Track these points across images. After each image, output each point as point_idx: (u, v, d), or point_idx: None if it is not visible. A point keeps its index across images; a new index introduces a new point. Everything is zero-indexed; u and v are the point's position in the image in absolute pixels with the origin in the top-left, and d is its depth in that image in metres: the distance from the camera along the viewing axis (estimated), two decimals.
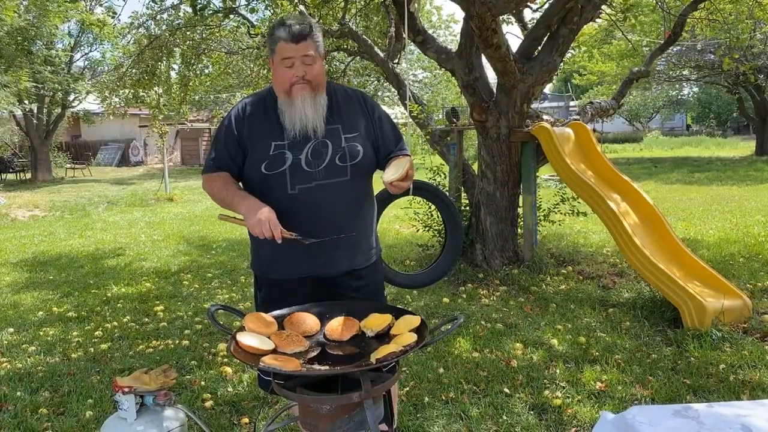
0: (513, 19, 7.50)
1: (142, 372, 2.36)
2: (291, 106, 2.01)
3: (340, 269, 2.13)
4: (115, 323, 4.64)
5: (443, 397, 3.12)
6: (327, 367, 1.64)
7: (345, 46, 7.40)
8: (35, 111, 18.35)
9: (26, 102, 14.33)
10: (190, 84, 7.42)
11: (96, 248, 7.89)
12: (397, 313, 1.90)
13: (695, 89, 36.70)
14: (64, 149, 24.69)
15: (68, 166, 21.49)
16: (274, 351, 1.74)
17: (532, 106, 5.69)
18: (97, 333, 4.42)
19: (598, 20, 5.88)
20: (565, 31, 5.07)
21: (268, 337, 1.79)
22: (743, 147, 24.97)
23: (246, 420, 2.95)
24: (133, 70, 7.02)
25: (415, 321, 1.82)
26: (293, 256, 2.08)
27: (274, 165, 2.01)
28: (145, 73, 7.07)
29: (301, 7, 6.34)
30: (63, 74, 16.44)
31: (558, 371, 3.41)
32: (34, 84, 15.07)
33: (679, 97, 38.33)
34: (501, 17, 7.74)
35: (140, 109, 16.41)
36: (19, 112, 18.21)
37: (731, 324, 4.02)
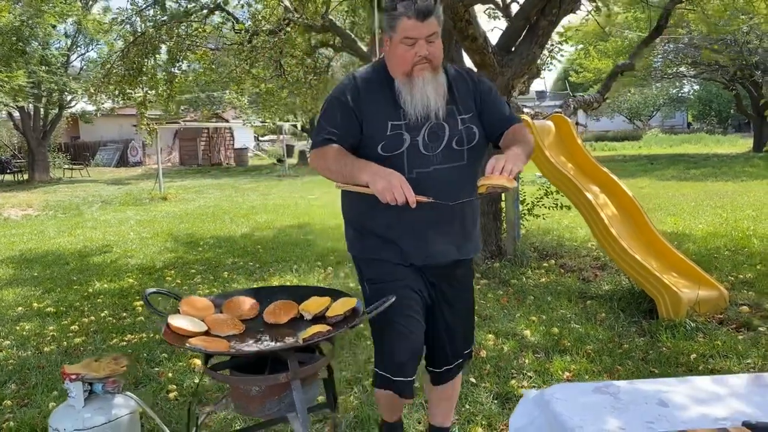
0: (500, 14, 7.49)
1: (92, 360, 2.35)
2: (412, 87, 1.87)
3: (449, 258, 2.00)
4: (93, 318, 4.63)
5: None
6: (256, 349, 1.62)
7: (331, 42, 7.39)
8: (32, 112, 18.40)
9: (20, 101, 14.33)
10: (177, 80, 7.40)
11: (84, 246, 7.88)
12: (336, 296, 1.89)
13: (696, 87, 36.59)
14: (63, 150, 24.72)
15: (66, 166, 21.51)
16: (206, 333, 1.73)
17: (533, 104, 5.66)
18: (73, 327, 4.41)
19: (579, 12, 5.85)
20: (544, 22, 5.05)
21: (203, 320, 1.78)
22: (742, 144, 24.88)
23: (207, 409, 2.94)
24: (119, 67, 7.01)
25: (351, 303, 1.80)
26: (405, 242, 1.95)
27: (392, 146, 1.87)
28: (132, 69, 7.07)
29: (286, 2, 6.34)
30: (59, 74, 16.45)
31: (527, 361, 3.39)
32: (30, 83, 15.09)
33: (680, 94, 38.22)
34: (487, 10, 7.74)
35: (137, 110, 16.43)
36: (16, 113, 18.27)
37: (707, 315, 3.99)
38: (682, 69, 20.23)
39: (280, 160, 24.88)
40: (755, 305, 4.23)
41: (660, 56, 19.36)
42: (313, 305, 1.84)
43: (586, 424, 1.24)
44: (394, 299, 1.71)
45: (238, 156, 26.88)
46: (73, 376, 2.20)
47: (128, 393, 2.26)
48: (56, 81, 16.37)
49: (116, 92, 7.32)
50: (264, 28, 6.35)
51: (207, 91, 14.79)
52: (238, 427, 2.59)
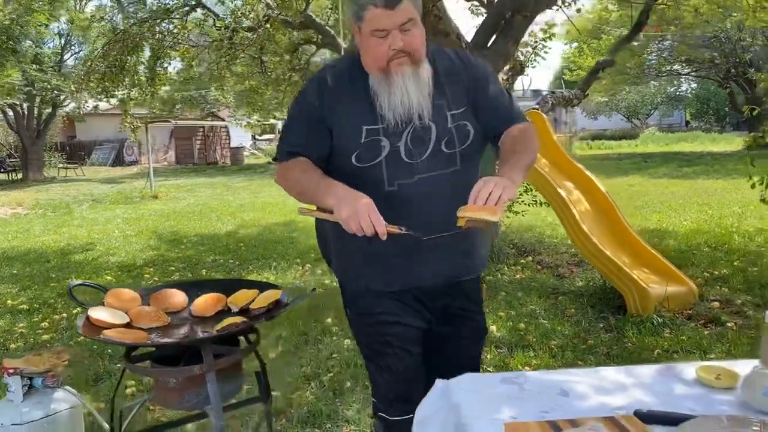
0: (483, 10, 7.46)
1: (33, 354, 2.34)
2: (389, 85, 1.57)
3: (445, 277, 1.70)
4: (65, 314, 4.62)
5: (366, 384, 3.09)
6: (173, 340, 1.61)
7: (314, 39, 7.37)
8: (25, 110, 18.40)
9: (12, 99, 14.33)
10: (159, 77, 7.39)
11: (67, 243, 7.87)
12: (264, 289, 1.87)
13: (694, 85, 36.56)
14: (59, 149, 24.73)
15: (60, 165, 21.51)
16: (128, 325, 1.72)
17: (533, 103, 5.65)
18: (43, 324, 4.40)
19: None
20: (519, 18, 5.03)
21: (126, 313, 1.77)
22: (738, 142, 24.76)
23: (129, 404, 2.92)
24: (101, 65, 7.00)
25: (275, 295, 1.79)
26: (391, 262, 1.65)
27: (368, 156, 1.59)
28: (114, 67, 7.06)
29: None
30: (51, 73, 16.45)
31: (488, 356, 3.37)
32: (23, 82, 15.08)
33: (678, 93, 38.19)
34: (471, 6, 7.71)
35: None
36: (10, 112, 18.27)
37: (676, 310, 3.98)
38: (676, 67, 20.19)
39: (275, 159, 24.84)
40: (726, 301, 4.21)
41: (654, 54, 19.33)
42: (240, 298, 1.83)
43: (482, 414, 1.23)
44: (315, 293, 1.69)
45: (234, 155, 26.84)
46: (11, 370, 2.18)
47: (67, 387, 2.25)
48: (48, 80, 16.37)
49: (99, 89, 7.32)
50: (243, 25, 6.35)
51: (201, 88, 14.72)
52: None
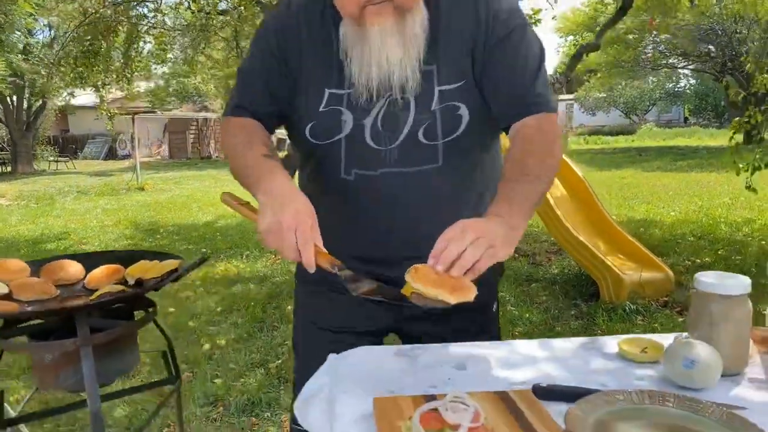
0: None
1: None
2: (361, 40, 1.11)
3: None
4: None
5: None
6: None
7: None
8: (15, 103, 18.22)
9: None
10: (132, 62, 7.21)
11: (41, 233, 7.71)
12: (164, 259, 1.70)
13: (692, 81, 36.41)
14: (51, 143, 24.57)
15: (51, 158, 21.36)
16: (7, 297, 1.55)
17: None
18: None
19: None
20: None
21: (7, 284, 1.60)
22: (736, 137, 24.62)
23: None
24: (73, 49, 6.82)
25: (172, 265, 1.62)
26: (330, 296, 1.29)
27: (324, 130, 1.18)
28: (87, 51, 6.88)
29: None
30: (41, 65, 16.24)
31: None
32: (9, 72, 14.88)
33: (676, 89, 38.03)
34: None
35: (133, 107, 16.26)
36: None
37: (651, 297, 3.81)
38: (672, 60, 20.01)
39: None
40: None
41: (650, 47, 19.14)
42: (137, 269, 1.66)
43: (355, 389, 1.05)
44: (207, 258, 1.52)
45: None
46: None
47: None
48: (37, 71, 16.16)
49: (72, 76, 7.14)
50: (218, 9, 6.17)
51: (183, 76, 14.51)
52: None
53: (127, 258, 1.75)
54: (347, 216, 1.23)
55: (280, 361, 3.03)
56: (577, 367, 1.13)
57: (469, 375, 1.11)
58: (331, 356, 1.25)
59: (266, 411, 2.54)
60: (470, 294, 0.92)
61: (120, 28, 6.94)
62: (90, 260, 1.76)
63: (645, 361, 1.13)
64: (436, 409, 0.83)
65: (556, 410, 0.92)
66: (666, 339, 1.20)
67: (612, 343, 1.22)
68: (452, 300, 0.90)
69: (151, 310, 1.62)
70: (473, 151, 1.22)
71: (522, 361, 1.17)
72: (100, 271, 1.68)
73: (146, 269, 1.65)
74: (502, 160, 1.31)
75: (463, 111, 1.16)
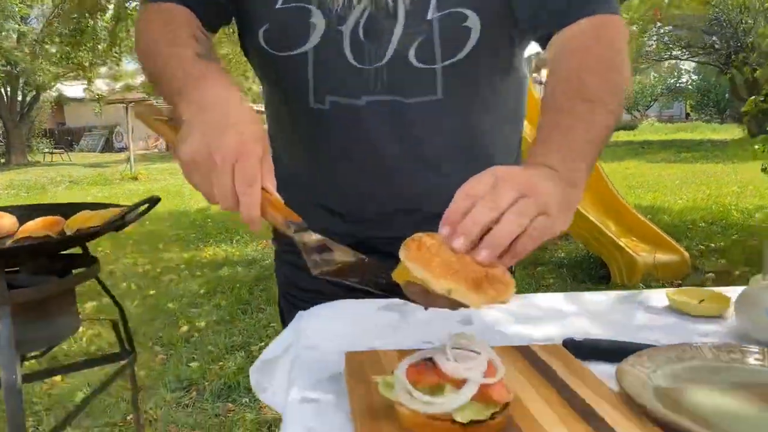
0: None
1: None
2: None
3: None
4: None
5: None
6: None
7: None
8: (9, 93, 17.94)
9: None
10: (119, 41, 6.94)
11: None
12: (108, 209, 1.44)
13: (694, 77, 36.11)
14: (47, 136, 24.30)
15: (46, 150, 21.09)
16: None
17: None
18: None
19: None
20: None
21: None
22: (739, 132, 24.38)
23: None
24: (58, 27, 6.55)
25: (112, 213, 1.36)
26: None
27: (285, 35, 0.86)
28: (75, 30, 6.61)
29: None
30: (24, 42, 15.90)
31: None
32: (4, 63, 14.61)
33: (678, 84, 37.72)
34: None
35: (124, 97, 15.97)
36: None
37: (666, 280, 3.56)
38: (677, 53, 19.73)
39: None
40: (723, 272, 3.79)
41: (654, 39, 18.85)
42: (78, 219, 1.40)
43: (332, 346, 0.79)
44: (158, 200, 1.25)
45: None
46: None
47: None
48: (30, 60, 15.88)
49: (58, 56, 6.87)
50: None
51: None
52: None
53: (69, 210, 1.49)
54: (318, 158, 0.94)
55: (263, 344, 2.77)
56: (616, 321, 0.87)
57: (476, 330, 0.85)
58: (300, 313, 0.99)
59: (244, 396, 2.28)
60: (506, 292, 0.55)
61: (108, 5, 6.67)
62: (26, 211, 1.50)
63: (705, 315, 0.87)
64: (431, 360, 0.57)
65: (597, 371, 0.66)
66: (726, 291, 0.94)
67: (658, 295, 0.96)
68: (475, 300, 0.54)
69: (93, 267, 1.36)
70: (479, 77, 0.89)
71: (545, 315, 0.90)
72: (34, 223, 1.42)
73: (87, 218, 1.39)
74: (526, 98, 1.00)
75: (473, 20, 0.83)
